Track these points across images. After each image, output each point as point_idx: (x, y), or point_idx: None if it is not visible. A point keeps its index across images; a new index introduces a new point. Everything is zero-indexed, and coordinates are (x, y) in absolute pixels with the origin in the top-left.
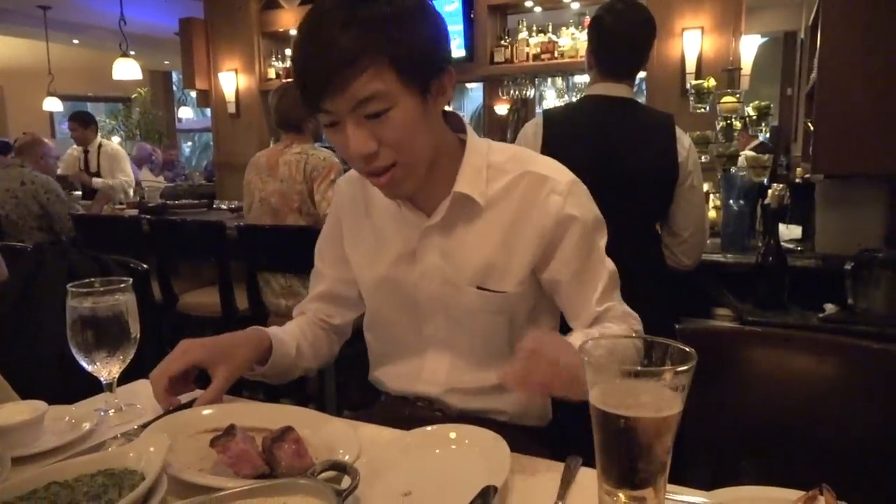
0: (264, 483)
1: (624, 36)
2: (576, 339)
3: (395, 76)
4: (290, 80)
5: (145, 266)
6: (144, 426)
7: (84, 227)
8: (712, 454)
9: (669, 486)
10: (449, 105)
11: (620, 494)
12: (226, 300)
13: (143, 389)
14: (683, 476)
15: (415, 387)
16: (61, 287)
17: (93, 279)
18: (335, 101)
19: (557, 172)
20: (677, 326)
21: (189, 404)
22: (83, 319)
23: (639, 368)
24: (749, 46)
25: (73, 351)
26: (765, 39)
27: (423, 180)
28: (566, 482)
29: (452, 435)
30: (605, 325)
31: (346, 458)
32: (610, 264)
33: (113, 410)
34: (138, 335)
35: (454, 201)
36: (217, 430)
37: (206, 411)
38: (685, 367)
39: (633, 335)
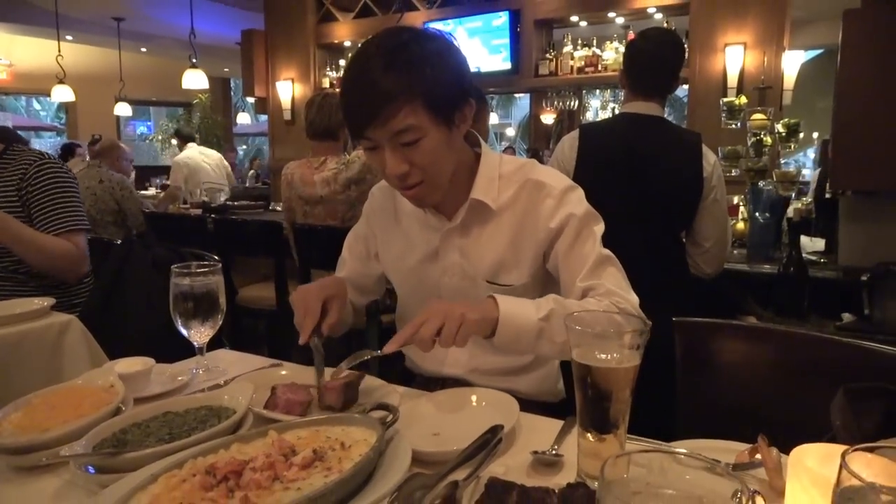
0: (327, 416)
1: (654, 58)
2: (540, 300)
3: (426, 112)
4: (320, 92)
5: (216, 258)
6: (227, 383)
7: (155, 223)
8: (700, 428)
9: (637, 437)
10: (489, 113)
11: (589, 435)
12: (281, 294)
13: (224, 356)
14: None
15: (442, 369)
16: (147, 274)
17: (190, 262)
18: (376, 131)
19: (554, 179)
20: (674, 319)
21: None
22: (183, 294)
23: (610, 331)
24: (793, 61)
25: (175, 320)
26: (820, 52)
27: (445, 192)
28: (563, 433)
29: (473, 397)
30: (588, 300)
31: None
32: (601, 250)
33: (202, 370)
34: (225, 308)
35: (471, 207)
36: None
37: (283, 372)
38: (639, 332)
39: (612, 310)
